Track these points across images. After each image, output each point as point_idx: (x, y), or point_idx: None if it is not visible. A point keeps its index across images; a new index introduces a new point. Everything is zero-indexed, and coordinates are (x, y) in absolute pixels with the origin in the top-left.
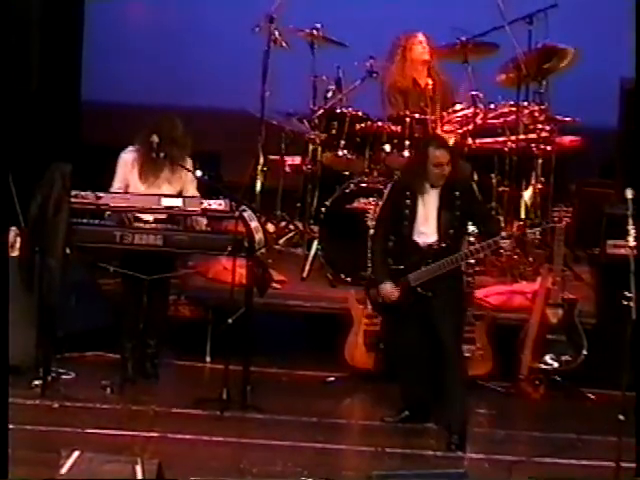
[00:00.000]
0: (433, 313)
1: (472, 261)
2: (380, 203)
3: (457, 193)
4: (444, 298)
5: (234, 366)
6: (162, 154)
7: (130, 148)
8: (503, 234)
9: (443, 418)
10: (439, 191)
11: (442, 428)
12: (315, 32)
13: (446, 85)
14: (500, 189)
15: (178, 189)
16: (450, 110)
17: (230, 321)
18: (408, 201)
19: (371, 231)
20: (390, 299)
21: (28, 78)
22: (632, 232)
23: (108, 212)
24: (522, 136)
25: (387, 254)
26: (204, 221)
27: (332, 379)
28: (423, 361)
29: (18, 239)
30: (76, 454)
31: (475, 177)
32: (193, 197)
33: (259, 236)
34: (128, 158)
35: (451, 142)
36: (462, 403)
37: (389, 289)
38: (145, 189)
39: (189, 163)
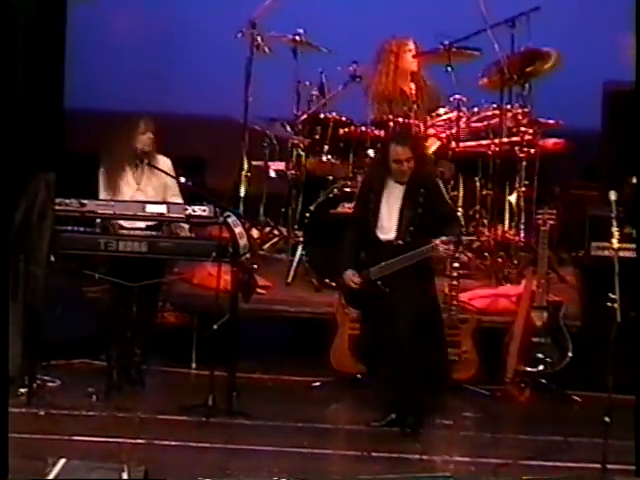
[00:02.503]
0: (392, 309)
1: (456, 265)
2: None
3: (422, 190)
4: (403, 294)
5: (219, 372)
6: (146, 160)
7: (110, 159)
8: (443, 238)
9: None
10: (404, 187)
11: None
12: (297, 37)
13: (431, 90)
14: (484, 192)
15: (161, 192)
16: (434, 114)
17: (215, 327)
18: (373, 196)
19: None
20: (351, 285)
21: (12, 87)
22: (616, 234)
23: (98, 220)
24: (505, 139)
25: (355, 247)
26: (186, 227)
27: (318, 384)
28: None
29: None
30: (62, 462)
31: (460, 178)
32: (177, 203)
33: (243, 242)
34: (109, 169)
35: (434, 146)
36: (418, 401)
37: (350, 275)
38: (131, 195)
39: (168, 163)
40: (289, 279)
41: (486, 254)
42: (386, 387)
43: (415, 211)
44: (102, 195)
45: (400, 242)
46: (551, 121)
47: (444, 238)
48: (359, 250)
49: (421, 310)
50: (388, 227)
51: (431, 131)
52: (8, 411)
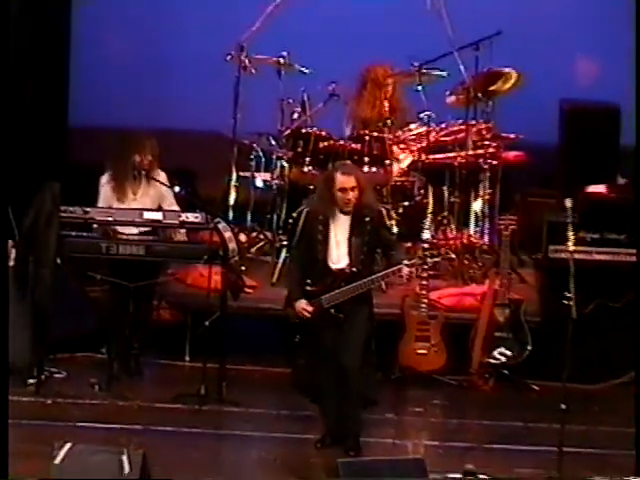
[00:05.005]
0: (341, 332)
1: (425, 266)
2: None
3: (367, 219)
4: (353, 320)
5: (211, 364)
6: (143, 172)
7: (109, 172)
8: (406, 262)
9: (338, 434)
10: (350, 217)
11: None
12: (281, 59)
13: (403, 108)
14: (451, 200)
15: (157, 201)
16: (405, 129)
17: (207, 323)
18: (321, 226)
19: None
20: (304, 315)
21: (20, 107)
22: (571, 238)
23: (95, 225)
24: (471, 152)
25: (302, 275)
26: (183, 231)
27: None
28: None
29: (13, 250)
30: (68, 446)
31: (429, 187)
32: (172, 211)
33: (232, 245)
34: (108, 180)
35: (407, 160)
36: (358, 423)
37: (303, 305)
38: (127, 205)
39: (163, 175)
40: (274, 279)
41: (453, 256)
42: (330, 410)
43: (363, 239)
44: (101, 204)
45: (354, 270)
46: (512, 135)
47: (407, 262)
48: (306, 279)
49: (365, 333)
50: (338, 256)
51: (402, 145)
52: (8, 413)
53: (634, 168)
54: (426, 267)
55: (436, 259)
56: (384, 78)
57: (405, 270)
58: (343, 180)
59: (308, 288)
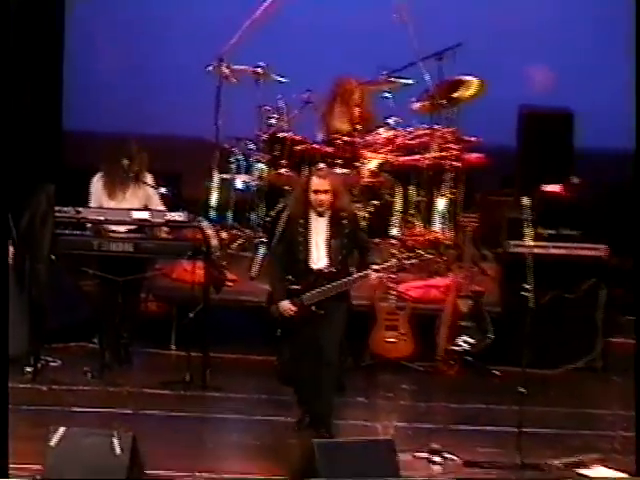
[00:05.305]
0: (320, 327)
1: (404, 268)
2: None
3: (344, 222)
4: (331, 315)
5: (195, 353)
6: (131, 174)
7: (100, 174)
8: (376, 267)
9: (314, 416)
10: (328, 219)
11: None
12: (259, 70)
13: (371, 114)
14: (417, 199)
15: (144, 202)
16: (374, 133)
17: (191, 315)
18: (301, 229)
19: None
20: (288, 314)
21: (18, 112)
22: (529, 234)
23: (89, 224)
24: (435, 154)
25: (283, 274)
26: (165, 229)
27: None
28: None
29: (11, 248)
30: (62, 429)
31: (398, 187)
32: (159, 210)
33: (214, 242)
34: (99, 182)
35: (377, 162)
36: (332, 407)
37: (287, 305)
38: (116, 204)
39: (149, 177)
40: (253, 273)
41: (429, 257)
42: (308, 398)
43: (341, 241)
44: (92, 200)
45: (333, 270)
46: (473, 139)
47: (376, 267)
48: (287, 278)
49: (343, 328)
50: (318, 256)
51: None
52: (8, 412)
53: (633, 169)
54: (404, 269)
55: (413, 261)
56: (352, 92)
57: (379, 274)
58: (317, 183)
59: (290, 287)
